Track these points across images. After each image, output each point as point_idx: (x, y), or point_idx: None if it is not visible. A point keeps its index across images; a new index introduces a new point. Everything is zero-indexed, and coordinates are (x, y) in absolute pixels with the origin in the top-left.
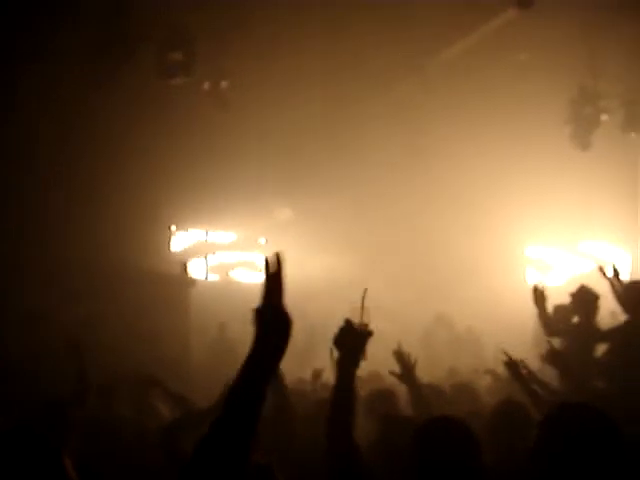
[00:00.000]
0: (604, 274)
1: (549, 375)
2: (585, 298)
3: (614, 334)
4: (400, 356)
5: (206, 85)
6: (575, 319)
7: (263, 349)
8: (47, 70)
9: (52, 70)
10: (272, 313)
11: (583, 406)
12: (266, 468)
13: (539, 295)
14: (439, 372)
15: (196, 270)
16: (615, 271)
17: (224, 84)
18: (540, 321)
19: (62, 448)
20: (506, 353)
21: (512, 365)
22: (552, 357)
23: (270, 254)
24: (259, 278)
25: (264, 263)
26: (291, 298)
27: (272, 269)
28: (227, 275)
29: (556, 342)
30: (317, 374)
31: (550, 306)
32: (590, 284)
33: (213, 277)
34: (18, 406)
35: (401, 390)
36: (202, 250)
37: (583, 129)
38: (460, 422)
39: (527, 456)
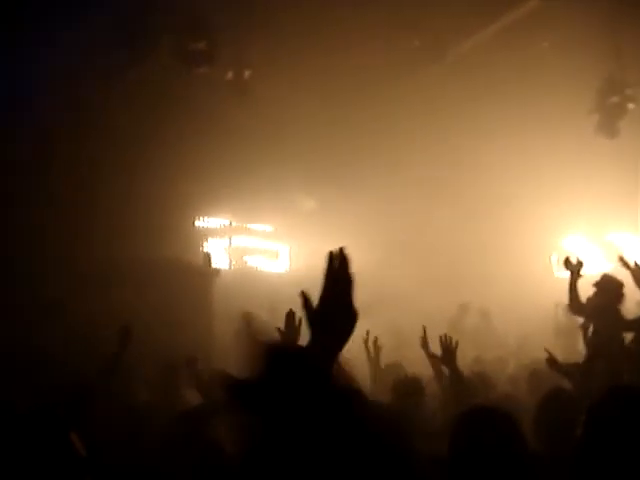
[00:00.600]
0: (626, 264)
1: None
2: (608, 286)
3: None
4: (443, 340)
5: (229, 75)
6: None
7: (326, 342)
8: (69, 62)
9: (74, 62)
10: (340, 309)
11: (632, 389)
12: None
13: (573, 268)
14: (465, 361)
15: (220, 260)
16: (636, 262)
17: (247, 74)
18: (569, 296)
19: (71, 425)
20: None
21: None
22: (551, 364)
23: (335, 249)
24: (279, 267)
25: (328, 258)
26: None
27: (337, 264)
28: (249, 265)
29: (580, 321)
30: None
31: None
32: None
33: (236, 267)
34: (43, 392)
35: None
36: (226, 241)
37: (610, 118)
38: (504, 411)
39: (576, 442)
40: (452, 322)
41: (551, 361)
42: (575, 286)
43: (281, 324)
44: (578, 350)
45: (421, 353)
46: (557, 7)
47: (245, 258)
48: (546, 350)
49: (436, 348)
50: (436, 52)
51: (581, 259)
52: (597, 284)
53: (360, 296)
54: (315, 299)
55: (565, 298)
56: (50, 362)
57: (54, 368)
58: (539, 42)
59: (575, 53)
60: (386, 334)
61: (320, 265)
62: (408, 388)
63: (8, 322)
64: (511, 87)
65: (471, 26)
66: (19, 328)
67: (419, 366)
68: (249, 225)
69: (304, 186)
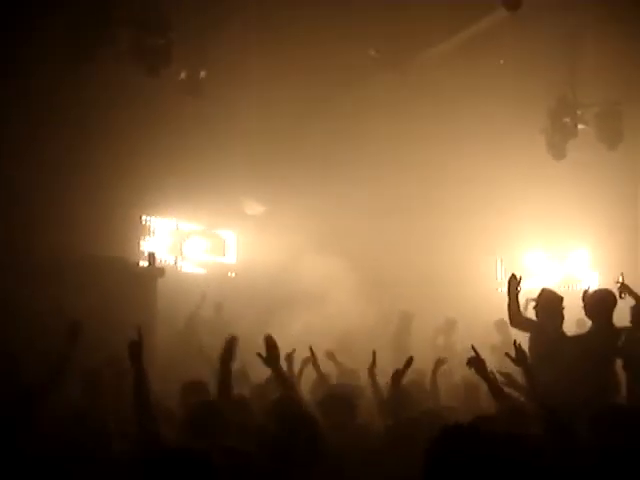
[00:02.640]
0: (629, 290)
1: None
2: (548, 301)
3: (579, 340)
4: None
5: (183, 74)
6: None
7: None
8: (22, 53)
9: (27, 53)
10: None
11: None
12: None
13: (513, 283)
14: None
15: (165, 259)
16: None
17: (202, 74)
18: (508, 310)
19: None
20: (474, 349)
21: (475, 361)
22: (519, 356)
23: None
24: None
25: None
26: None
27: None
28: (194, 265)
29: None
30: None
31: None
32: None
33: (182, 267)
34: None
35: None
36: (172, 240)
37: (559, 138)
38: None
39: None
40: (399, 332)
41: (473, 361)
42: (515, 301)
43: (226, 323)
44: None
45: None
46: (514, 25)
47: (190, 256)
48: (473, 348)
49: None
50: (392, 62)
51: (519, 274)
52: (537, 299)
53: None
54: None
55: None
56: None
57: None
58: (495, 58)
59: (530, 71)
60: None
61: (264, 263)
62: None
63: None
64: (467, 99)
65: (429, 38)
66: None
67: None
68: (195, 225)
69: (253, 188)
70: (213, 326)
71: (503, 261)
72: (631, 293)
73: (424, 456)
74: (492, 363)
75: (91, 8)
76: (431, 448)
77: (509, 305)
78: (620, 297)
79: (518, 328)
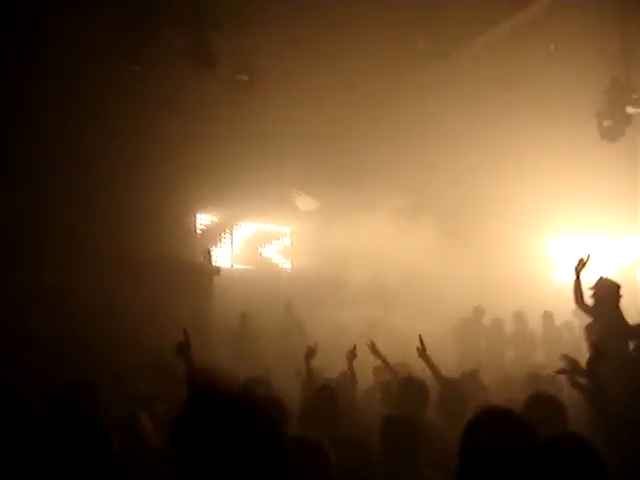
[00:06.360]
0: None
1: None
2: (606, 289)
3: None
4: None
5: (235, 72)
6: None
7: None
8: (71, 49)
9: (75, 49)
10: None
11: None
12: (316, 443)
13: (580, 264)
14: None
15: (220, 258)
16: None
17: (250, 74)
18: (574, 296)
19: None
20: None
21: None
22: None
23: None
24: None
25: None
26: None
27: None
28: (251, 264)
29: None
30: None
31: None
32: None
33: (238, 265)
34: (41, 382)
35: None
36: (227, 237)
37: (613, 122)
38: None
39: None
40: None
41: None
42: (578, 284)
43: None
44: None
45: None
46: (564, 10)
47: (245, 253)
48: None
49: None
50: (441, 53)
51: (585, 259)
52: (594, 287)
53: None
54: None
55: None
56: (49, 349)
57: (53, 355)
58: (546, 44)
59: (581, 56)
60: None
61: (322, 261)
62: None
63: (6, 307)
64: (516, 88)
65: (478, 27)
66: (17, 313)
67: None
68: (252, 223)
69: (304, 184)
70: (282, 325)
71: (558, 248)
72: None
73: (461, 437)
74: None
75: (143, 9)
76: (468, 429)
77: (574, 288)
78: None
79: (586, 313)
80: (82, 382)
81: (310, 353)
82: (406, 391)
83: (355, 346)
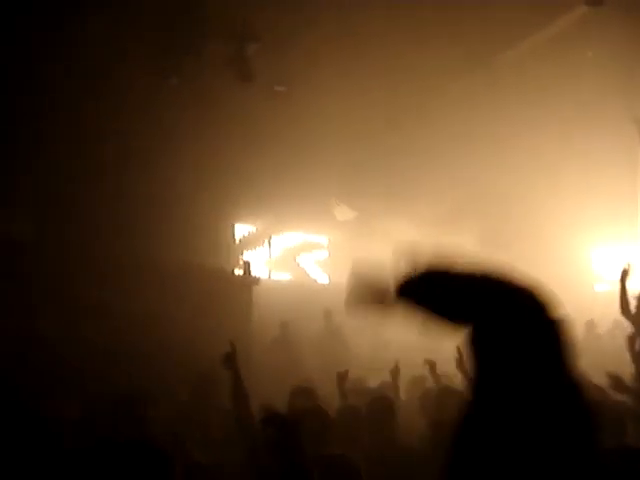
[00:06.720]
0: None
1: None
2: None
3: None
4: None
5: (272, 83)
6: None
7: None
8: (109, 65)
9: (113, 65)
10: None
11: None
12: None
13: (624, 274)
14: None
15: (259, 268)
16: None
17: (285, 86)
18: (620, 303)
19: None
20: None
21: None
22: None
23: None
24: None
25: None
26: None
27: None
28: (289, 273)
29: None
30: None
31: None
32: None
33: (276, 276)
34: (87, 399)
35: None
36: (265, 247)
37: None
38: None
39: None
40: None
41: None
42: (624, 292)
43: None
44: None
45: None
46: (601, 17)
47: (284, 263)
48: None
49: None
50: (480, 60)
51: (627, 268)
52: (638, 297)
53: None
54: None
55: None
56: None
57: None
58: (583, 51)
59: (618, 63)
60: None
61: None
62: None
63: (54, 319)
64: (554, 95)
65: (516, 35)
66: (62, 327)
67: None
68: (288, 232)
69: (342, 194)
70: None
71: (601, 256)
72: None
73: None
74: None
75: (181, 24)
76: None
77: (620, 296)
78: None
79: (626, 317)
80: (135, 396)
81: (343, 375)
82: (446, 400)
83: (398, 362)
